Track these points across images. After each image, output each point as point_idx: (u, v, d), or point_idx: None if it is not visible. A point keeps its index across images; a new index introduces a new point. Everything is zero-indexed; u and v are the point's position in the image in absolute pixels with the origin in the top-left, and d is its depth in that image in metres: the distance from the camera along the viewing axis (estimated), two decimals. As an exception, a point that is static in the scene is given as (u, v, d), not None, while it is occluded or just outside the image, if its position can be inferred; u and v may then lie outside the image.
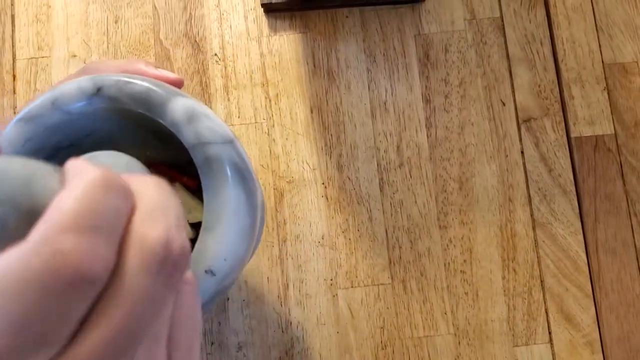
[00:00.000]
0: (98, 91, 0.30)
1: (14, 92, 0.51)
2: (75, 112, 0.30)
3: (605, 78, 0.51)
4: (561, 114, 0.51)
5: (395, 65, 0.52)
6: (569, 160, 0.50)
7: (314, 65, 0.52)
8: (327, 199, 0.50)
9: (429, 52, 0.52)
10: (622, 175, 0.50)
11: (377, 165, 0.50)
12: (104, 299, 0.16)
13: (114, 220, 0.16)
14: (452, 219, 0.49)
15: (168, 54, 0.52)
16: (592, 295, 0.48)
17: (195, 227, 0.31)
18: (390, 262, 0.49)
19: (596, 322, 0.48)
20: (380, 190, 0.50)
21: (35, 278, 0.15)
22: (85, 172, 0.17)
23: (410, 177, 0.50)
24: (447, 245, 0.49)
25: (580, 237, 0.49)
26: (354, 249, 0.49)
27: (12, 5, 0.53)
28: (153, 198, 0.18)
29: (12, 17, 0.53)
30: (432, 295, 0.48)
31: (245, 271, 0.48)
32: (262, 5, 0.52)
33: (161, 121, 0.29)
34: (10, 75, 0.51)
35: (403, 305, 0.48)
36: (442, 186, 0.50)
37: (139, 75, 0.31)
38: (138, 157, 0.31)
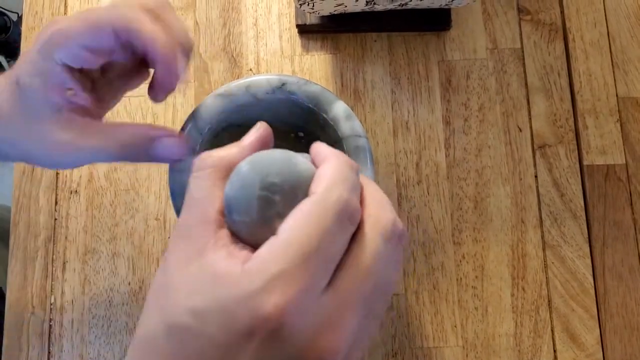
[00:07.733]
0: (282, 85, 0.39)
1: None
2: (260, 97, 0.39)
3: (619, 111, 0.54)
4: (575, 142, 0.54)
5: (418, 88, 0.55)
6: (580, 186, 0.53)
7: (342, 85, 0.55)
8: (347, 210, 0.52)
9: (451, 77, 0.55)
10: (631, 204, 0.52)
11: (397, 180, 0.53)
12: (351, 251, 0.23)
13: (357, 185, 0.25)
14: (466, 236, 0.52)
15: (206, 66, 0.56)
16: (597, 317, 0.50)
17: None
18: (405, 274, 0.51)
19: (600, 343, 0.50)
20: (399, 205, 0.52)
21: (329, 212, 0.22)
22: (336, 154, 0.26)
23: (428, 193, 0.53)
24: (460, 261, 0.51)
25: (588, 260, 0.51)
26: (371, 259, 0.51)
27: (65, 6, 0.57)
28: (379, 193, 0.26)
29: (65, 25, 0.57)
30: (443, 308, 0.51)
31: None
32: (297, 26, 0.55)
33: (324, 115, 0.39)
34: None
35: (415, 316, 0.50)
36: (457, 204, 0.52)
37: (312, 81, 0.39)
38: (285, 138, 0.42)
